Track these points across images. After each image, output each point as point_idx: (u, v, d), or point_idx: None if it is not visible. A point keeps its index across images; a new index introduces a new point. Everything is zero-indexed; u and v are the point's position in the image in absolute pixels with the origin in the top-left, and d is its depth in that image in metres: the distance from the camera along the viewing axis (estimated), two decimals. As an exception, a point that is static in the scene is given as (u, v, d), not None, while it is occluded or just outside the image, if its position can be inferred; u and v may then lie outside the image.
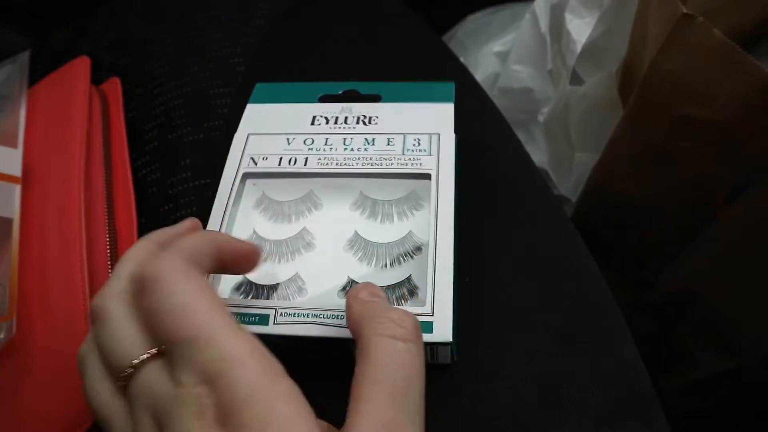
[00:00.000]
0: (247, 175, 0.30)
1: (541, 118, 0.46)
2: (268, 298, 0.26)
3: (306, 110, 0.32)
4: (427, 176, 0.28)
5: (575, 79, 0.44)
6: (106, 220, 0.31)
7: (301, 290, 0.26)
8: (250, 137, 0.31)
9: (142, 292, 0.19)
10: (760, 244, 0.36)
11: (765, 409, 0.46)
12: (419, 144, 0.29)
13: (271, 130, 0.31)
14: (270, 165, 0.30)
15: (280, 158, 0.30)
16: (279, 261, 0.27)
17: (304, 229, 0.28)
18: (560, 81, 0.44)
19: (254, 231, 0.28)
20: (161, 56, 0.41)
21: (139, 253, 0.21)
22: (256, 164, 0.30)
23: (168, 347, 0.18)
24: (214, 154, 0.32)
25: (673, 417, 0.25)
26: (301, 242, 0.28)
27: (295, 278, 0.27)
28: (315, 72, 0.38)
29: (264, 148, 0.30)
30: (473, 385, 0.25)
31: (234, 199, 0.28)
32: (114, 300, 0.19)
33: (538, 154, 0.47)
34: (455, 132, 0.30)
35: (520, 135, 0.38)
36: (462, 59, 0.51)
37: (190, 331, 0.17)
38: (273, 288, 0.26)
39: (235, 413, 0.16)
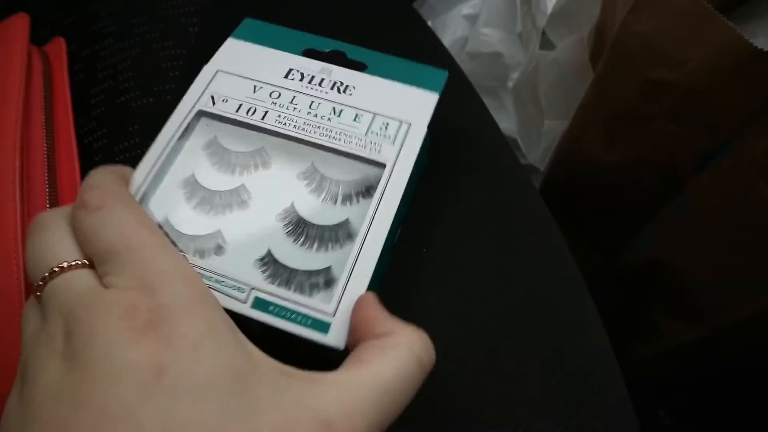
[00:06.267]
0: (201, 113, 0.28)
1: (510, 84, 0.45)
2: (185, 250, 0.24)
3: (285, 60, 0.30)
4: (382, 166, 0.26)
5: (546, 44, 0.42)
6: (47, 189, 0.29)
7: (219, 249, 0.25)
8: (219, 74, 0.29)
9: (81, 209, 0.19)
10: (728, 213, 0.36)
11: (733, 374, 0.46)
12: (386, 129, 0.27)
13: (241, 72, 0.29)
14: (227, 109, 0.28)
15: (240, 105, 0.28)
16: (207, 212, 0.26)
17: (242, 185, 0.26)
18: (530, 44, 0.43)
19: (192, 174, 0.26)
20: (109, 15, 0.39)
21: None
22: (214, 104, 0.28)
23: (105, 257, 0.17)
24: (165, 119, 0.30)
25: (640, 383, 0.25)
26: (236, 198, 0.26)
27: (217, 234, 0.25)
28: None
29: (227, 90, 0.28)
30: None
31: (182, 133, 0.27)
32: (57, 214, 0.19)
33: (507, 122, 0.46)
34: (431, 127, 0.27)
35: (489, 102, 0.37)
36: (430, 23, 0.49)
37: (133, 242, 0.18)
38: (191, 238, 0.25)
39: (171, 322, 0.16)
